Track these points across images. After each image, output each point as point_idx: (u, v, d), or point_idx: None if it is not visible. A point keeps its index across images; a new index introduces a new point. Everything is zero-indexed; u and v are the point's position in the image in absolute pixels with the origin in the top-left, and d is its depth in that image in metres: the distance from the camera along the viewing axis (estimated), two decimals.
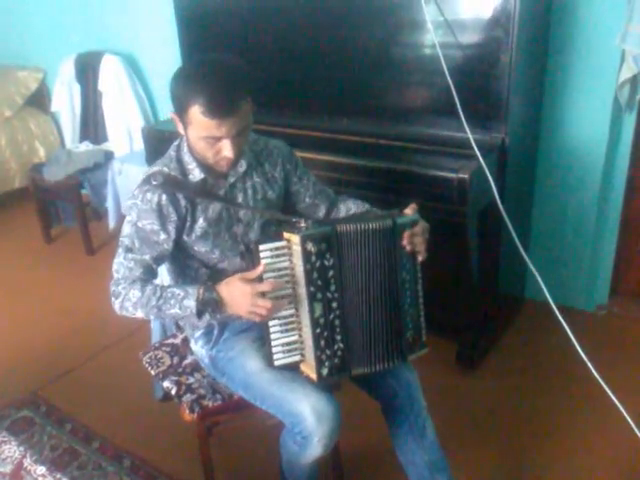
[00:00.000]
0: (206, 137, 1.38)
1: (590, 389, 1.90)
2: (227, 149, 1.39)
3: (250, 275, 1.38)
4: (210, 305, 1.40)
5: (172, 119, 1.47)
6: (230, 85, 1.35)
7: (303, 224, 1.40)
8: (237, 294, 1.36)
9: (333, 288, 1.40)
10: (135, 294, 1.43)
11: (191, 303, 1.39)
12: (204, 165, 1.48)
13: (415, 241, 1.44)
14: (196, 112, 1.34)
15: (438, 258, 2.28)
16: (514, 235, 1.94)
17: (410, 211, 1.49)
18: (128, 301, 1.44)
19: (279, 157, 1.62)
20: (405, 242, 1.43)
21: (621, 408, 1.78)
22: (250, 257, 1.49)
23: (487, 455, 1.97)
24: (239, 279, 1.38)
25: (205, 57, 1.44)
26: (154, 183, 1.45)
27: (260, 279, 1.37)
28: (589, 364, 1.79)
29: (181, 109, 1.38)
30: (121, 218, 3.30)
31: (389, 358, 1.46)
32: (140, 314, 1.45)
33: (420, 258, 1.47)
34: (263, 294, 1.35)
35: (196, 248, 1.53)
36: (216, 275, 1.55)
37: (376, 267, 1.42)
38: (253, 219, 1.56)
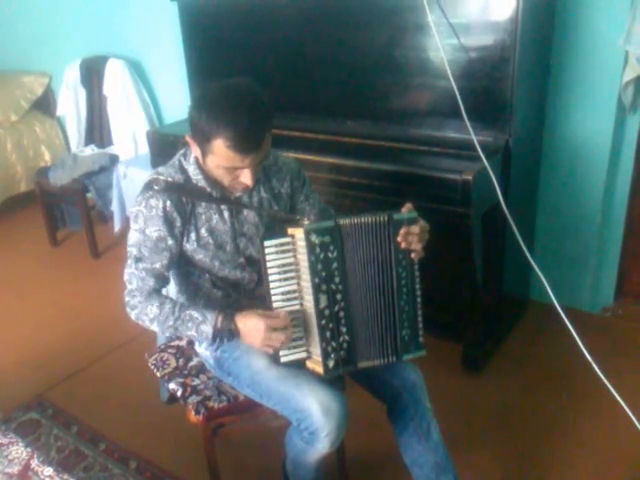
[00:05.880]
0: (227, 167, 1.38)
1: (595, 391, 1.90)
2: (247, 178, 1.40)
3: (270, 316, 1.40)
4: (226, 334, 1.43)
5: (187, 142, 1.44)
6: (258, 120, 1.33)
7: (306, 221, 1.44)
8: (252, 328, 1.40)
9: (337, 280, 1.41)
10: (153, 310, 1.46)
11: (208, 329, 1.43)
12: (210, 179, 1.48)
13: (410, 239, 1.43)
14: (221, 145, 1.32)
15: (442, 260, 2.30)
16: (518, 236, 1.94)
17: (405, 210, 1.48)
18: (145, 315, 1.47)
19: (288, 174, 1.62)
20: (400, 239, 1.43)
21: (627, 409, 1.78)
22: (250, 269, 1.55)
23: (492, 456, 1.97)
24: (256, 314, 1.41)
25: (229, 84, 1.37)
26: (156, 188, 1.45)
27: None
28: (594, 366, 1.79)
29: (203, 139, 1.35)
30: (126, 221, 3.32)
31: (384, 355, 1.47)
32: (155, 328, 1.49)
33: (414, 256, 1.46)
34: (276, 328, 1.38)
35: (197, 257, 1.53)
36: (219, 282, 1.57)
37: (373, 261, 1.43)
38: (256, 234, 1.56)
